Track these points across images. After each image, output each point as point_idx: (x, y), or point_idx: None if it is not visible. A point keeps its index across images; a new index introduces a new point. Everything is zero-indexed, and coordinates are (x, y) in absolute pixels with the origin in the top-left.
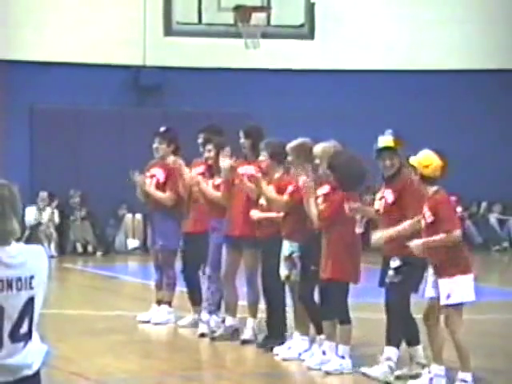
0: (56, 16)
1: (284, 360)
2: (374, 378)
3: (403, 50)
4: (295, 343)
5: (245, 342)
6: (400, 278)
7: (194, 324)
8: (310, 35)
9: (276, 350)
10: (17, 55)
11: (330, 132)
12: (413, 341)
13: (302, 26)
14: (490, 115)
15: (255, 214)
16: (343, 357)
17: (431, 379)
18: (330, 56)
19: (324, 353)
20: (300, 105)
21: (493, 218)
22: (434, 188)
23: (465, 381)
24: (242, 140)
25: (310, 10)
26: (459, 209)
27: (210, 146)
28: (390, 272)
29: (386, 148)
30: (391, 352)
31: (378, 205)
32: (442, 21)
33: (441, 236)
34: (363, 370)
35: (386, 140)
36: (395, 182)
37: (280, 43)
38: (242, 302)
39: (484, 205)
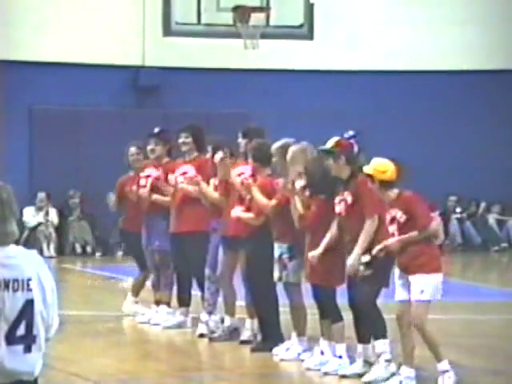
0: (55, 16)
1: (283, 361)
2: (378, 380)
3: (403, 51)
4: (294, 344)
5: (243, 342)
6: (370, 272)
7: (179, 325)
8: (309, 35)
9: (275, 350)
10: (15, 56)
11: (329, 132)
12: (365, 339)
13: (301, 26)
14: (489, 116)
15: (235, 212)
16: (341, 356)
17: (401, 382)
18: (329, 56)
19: (322, 353)
20: (299, 105)
21: (492, 219)
22: (396, 190)
23: (446, 370)
24: (240, 140)
25: (309, 10)
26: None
27: (208, 148)
28: (361, 267)
29: (326, 151)
30: (382, 346)
31: (339, 208)
32: (441, 21)
33: (417, 232)
34: (365, 379)
35: (328, 143)
36: (351, 184)
37: (279, 43)
38: (242, 303)
39: (483, 205)
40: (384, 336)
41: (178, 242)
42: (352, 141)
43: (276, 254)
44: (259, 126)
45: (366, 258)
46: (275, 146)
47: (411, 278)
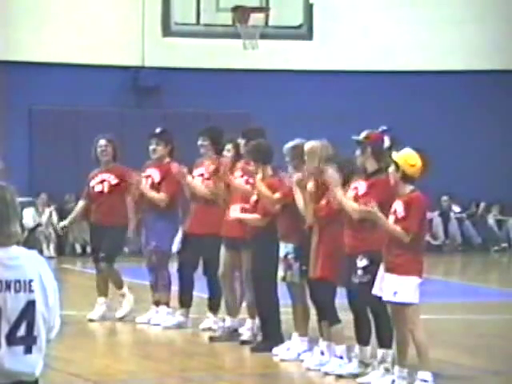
0: (55, 17)
1: (283, 361)
2: None
3: (402, 51)
4: (294, 344)
5: (244, 342)
6: (369, 278)
7: (179, 325)
8: (309, 36)
9: (275, 350)
10: (16, 56)
11: (329, 133)
12: (363, 341)
13: (300, 26)
14: (489, 116)
15: (233, 213)
16: (341, 357)
17: (393, 381)
18: (329, 57)
19: (322, 353)
20: (298, 105)
21: (491, 219)
22: (411, 187)
23: (425, 380)
24: (240, 140)
25: (309, 10)
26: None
27: (229, 146)
28: (359, 272)
29: (356, 141)
30: (384, 355)
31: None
32: (441, 21)
33: (397, 228)
34: (359, 380)
35: (361, 135)
36: (373, 177)
37: (278, 44)
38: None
39: (483, 205)
40: (389, 347)
41: (189, 243)
42: (384, 135)
43: (281, 253)
44: (259, 126)
45: (363, 263)
46: (288, 146)
47: (386, 275)
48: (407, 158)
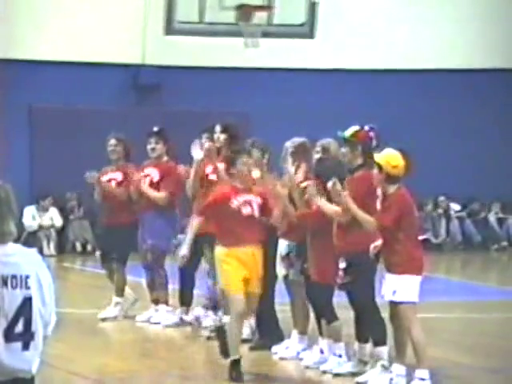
0: (55, 15)
1: (282, 359)
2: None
3: (404, 50)
4: (293, 342)
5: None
6: (349, 279)
7: (179, 324)
8: (311, 34)
9: (274, 349)
10: (15, 54)
11: (331, 131)
12: (363, 338)
13: (302, 24)
14: (489, 115)
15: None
16: (340, 355)
17: (391, 379)
18: (331, 55)
19: (322, 351)
20: (300, 104)
21: (492, 217)
22: (396, 186)
23: (422, 378)
24: (217, 134)
25: (311, 8)
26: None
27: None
28: (340, 273)
29: (344, 139)
30: (381, 352)
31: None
32: (444, 20)
33: (368, 218)
34: (357, 379)
35: (347, 131)
36: (355, 172)
37: (281, 42)
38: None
39: (483, 204)
40: (384, 343)
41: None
42: (371, 133)
43: (283, 251)
44: (236, 122)
45: (343, 265)
46: (290, 144)
47: (387, 275)
48: (389, 159)
